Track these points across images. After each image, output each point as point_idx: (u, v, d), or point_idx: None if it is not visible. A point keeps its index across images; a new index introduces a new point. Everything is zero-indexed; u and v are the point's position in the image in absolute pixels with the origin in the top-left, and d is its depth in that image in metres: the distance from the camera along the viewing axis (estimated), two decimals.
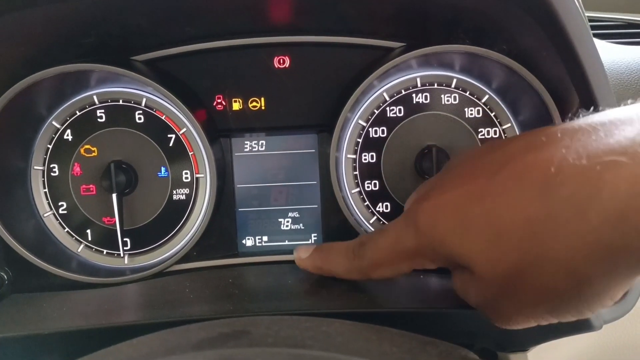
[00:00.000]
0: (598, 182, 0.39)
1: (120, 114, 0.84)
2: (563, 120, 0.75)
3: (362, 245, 0.62)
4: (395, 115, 0.85)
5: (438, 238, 0.51)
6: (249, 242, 0.89)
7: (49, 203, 0.85)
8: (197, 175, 0.85)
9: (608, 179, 0.39)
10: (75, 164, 0.84)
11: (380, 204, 0.87)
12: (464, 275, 0.52)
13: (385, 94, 0.85)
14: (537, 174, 0.44)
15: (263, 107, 0.86)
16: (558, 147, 0.43)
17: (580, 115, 0.48)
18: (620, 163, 0.38)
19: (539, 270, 0.44)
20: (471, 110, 0.85)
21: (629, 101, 0.47)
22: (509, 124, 0.85)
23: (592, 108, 0.56)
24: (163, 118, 0.84)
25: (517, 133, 0.84)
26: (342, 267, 0.65)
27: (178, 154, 0.85)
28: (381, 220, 0.87)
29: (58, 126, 0.84)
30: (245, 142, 0.88)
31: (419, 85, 0.85)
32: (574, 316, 0.47)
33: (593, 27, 0.66)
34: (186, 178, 0.85)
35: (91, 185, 0.85)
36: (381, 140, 0.86)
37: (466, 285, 0.53)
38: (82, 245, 0.86)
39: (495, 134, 0.85)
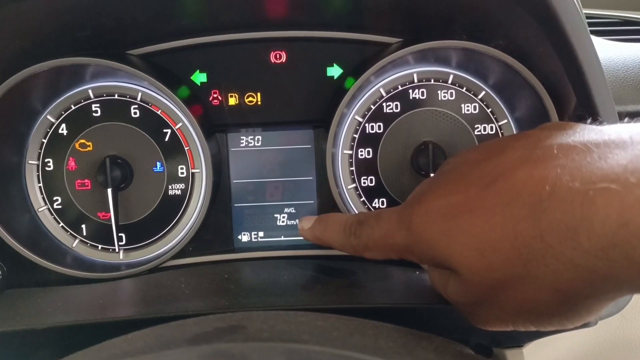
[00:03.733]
0: (590, 208, 0.39)
1: (115, 108, 0.84)
2: (560, 117, 0.75)
3: (359, 225, 0.62)
4: (391, 111, 0.85)
5: (427, 241, 0.51)
6: (244, 237, 0.89)
7: (43, 198, 0.85)
8: (193, 171, 0.85)
9: (600, 205, 0.39)
10: (70, 158, 0.84)
11: (376, 200, 0.87)
12: (445, 274, 0.53)
13: (381, 90, 0.85)
14: (529, 193, 0.43)
15: (259, 102, 0.86)
16: (553, 165, 0.43)
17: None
18: (612, 190, 0.38)
19: (525, 286, 0.45)
20: (467, 106, 0.85)
21: (626, 119, 0.47)
22: (505, 120, 0.85)
23: (590, 117, 0.56)
24: (159, 113, 0.84)
25: (514, 129, 0.85)
26: (338, 241, 0.66)
27: (174, 149, 0.85)
28: None
29: (53, 120, 0.83)
30: (241, 137, 0.87)
31: (415, 81, 0.85)
32: (555, 327, 0.48)
33: (590, 24, 0.66)
34: (182, 173, 0.85)
35: (86, 180, 0.84)
36: (377, 136, 0.86)
37: (447, 284, 0.53)
38: (76, 240, 0.86)
39: (491, 130, 0.85)
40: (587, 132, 0.46)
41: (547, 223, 0.41)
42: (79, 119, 0.84)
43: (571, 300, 0.44)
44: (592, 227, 0.39)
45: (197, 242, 0.85)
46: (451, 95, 0.85)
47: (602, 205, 0.38)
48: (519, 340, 0.69)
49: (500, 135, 0.85)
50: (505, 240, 0.44)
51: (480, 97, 0.85)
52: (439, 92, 0.85)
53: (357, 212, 0.87)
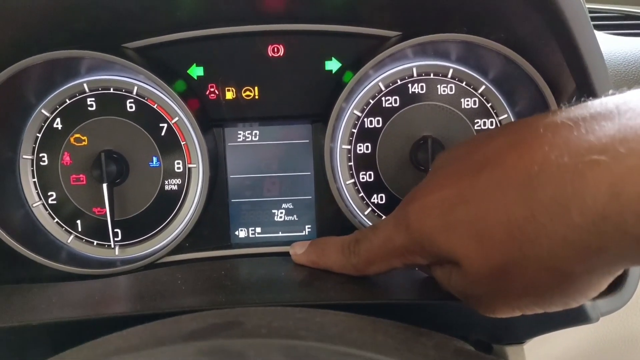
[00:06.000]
0: (581, 181, 0.39)
1: (111, 102, 0.83)
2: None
3: (356, 243, 0.63)
4: (390, 105, 0.85)
5: (427, 237, 0.52)
6: (242, 233, 0.88)
7: (38, 193, 0.84)
8: (190, 166, 0.84)
9: (590, 178, 0.39)
10: (65, 153, 0.83)
11: (375, 195, 0.86)
12: (447, 268, 0.54)
13: (380, 84, 0.84)
14: (518, 175, 0.44)
15: (257, 97, 0.85)
16: (540, 144, 0.44)
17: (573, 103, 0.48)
18: (600, 162, 0.38)
19: (522, 269, 0.45)
20: (467, 100, 0.84)
21: (610, 92, 0.47)
22: (505, 115, 0.84)
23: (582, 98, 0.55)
24: (155, 107, 0.83)
25: None
26: (337, 263, 0.66)
27: (170, 144, 0.84)
28: (376, 212, 0.86)
29: (47, 114, 0.82)
30: (239, 132, 0.86)
31: (415, 75, 0.84)
32: (559, 307, 0.48)
33: (591, 19, 0.65)
34: (178, 168, 0.84)
35: (81, 175, 0.83)
36: (376, 131, 0.85)
37: (450, 277, 0.54)
38: (72, 236, 0.85)
39: (491, 124, 0.84)
40: (574, 109, 0.46)
41: (538, 202, 0.42)
42: (74, 113, 0.83)
43: (569, 278, 0.44)
44: (584, 201, 0.39)
45: (194, 238, 0.84)
46: (451, 90, 0.84)
47: (592, 178, 0.39)
48: (519, 336, 0.68)
49: None
50: (499, 226, 0.45)
51: (480, 91, 0.84)
52: (438, 86, 0.84)
53: (355, 207, 0.86)
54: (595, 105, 0.44)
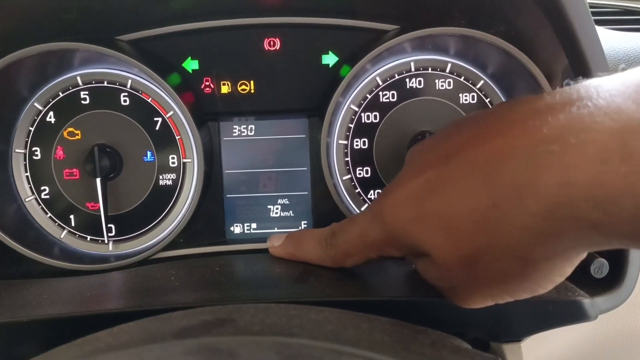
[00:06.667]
0: (535, 170, 0.41)
1: (104, 95, 0.82)
2: None
3: (334, 235, 0.64)
4: (388, 100, 0.84)
5: (400, 230, 0.53)
6: (237, 229, 0.87)
7: (30, 187, 0.83)
8: (184, 160, 0.83)
9: (543, 167, 0.40)
10: (58, 147, 0.82)
11: (372, 191, 0.85)
12: (424, 261, 0.55)
13: (378, 78, 0.83)
14: (481, 165, 0.45)
15: (252, 90, 0.84)
16: (502, 135, 0.45)
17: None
18: (553, 152, 0.40)
19: (489, 257, 0.46)
20: (466, 95, 0.83)
21: (567, 81, 0.47)
22: None
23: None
24: (149, 101, 0.82)
25: None
26: (315, 255, 0.67)
27: (164, 138, 0.83)
28: None
29: (40, 108, 0.81)
30: (234, 127, 0.85)
31: (412, 69, 0.83)
32: (527, 294, 0.50)
33: (591, 14, 0.65)
34: (173, 163, 0.83)
35: (74, 170, 0.82)
36: (373, 126, 0.84)
37: (427, 270, 0.55)
38: (65, 231, 0.84)
39: None
40: (532, 100, 0.46)
41: (498, 191, 0.43)
42: (67, 107, 0.82)
43: (532, 264, 0.45)
44: (537, 189, 0.40)
45: (188, 234, 0.83)
46: (449, 85, 0.83)
47: (545, 167, 0.40)
48: (517, 334, 0.68)
49: None
50: (465, 215, 0.46)
51: (478, 86, 0.83)
52: (436, 81, 0.83)
53: (351, 203, 0.85)
54: (551, 95, 0.45)
